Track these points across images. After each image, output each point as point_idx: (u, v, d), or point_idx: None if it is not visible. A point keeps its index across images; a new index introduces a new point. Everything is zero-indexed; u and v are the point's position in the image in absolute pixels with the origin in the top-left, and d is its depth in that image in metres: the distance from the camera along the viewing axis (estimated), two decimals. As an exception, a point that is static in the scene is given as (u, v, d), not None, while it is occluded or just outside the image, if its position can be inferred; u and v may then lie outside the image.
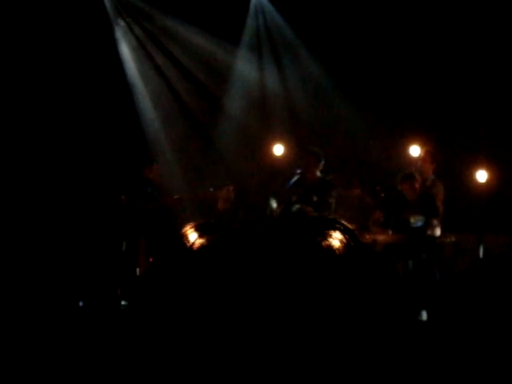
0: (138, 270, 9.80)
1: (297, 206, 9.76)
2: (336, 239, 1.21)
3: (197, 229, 1.27)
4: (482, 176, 9.80)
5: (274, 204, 9.92)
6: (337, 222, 1.26)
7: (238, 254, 1.16)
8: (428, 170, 9.71)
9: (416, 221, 9.23)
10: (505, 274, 1.66)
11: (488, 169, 9.80)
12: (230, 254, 1.16)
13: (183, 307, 1.14)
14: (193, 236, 1.21)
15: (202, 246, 1.19)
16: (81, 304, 9.60)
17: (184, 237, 1.24)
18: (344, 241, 1.21)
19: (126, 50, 12.14)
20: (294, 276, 1.15)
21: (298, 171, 10.02)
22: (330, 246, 1.19)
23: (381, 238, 9.31)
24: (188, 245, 1.23)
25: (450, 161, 10.16)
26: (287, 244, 1.18)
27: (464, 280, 1.67)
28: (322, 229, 1.21)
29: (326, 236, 1.21)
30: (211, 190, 10.26)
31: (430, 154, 9.78)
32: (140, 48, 12.18)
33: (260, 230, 1.20)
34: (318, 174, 10.01)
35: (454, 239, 9.43)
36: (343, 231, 1.22)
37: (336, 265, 1.17)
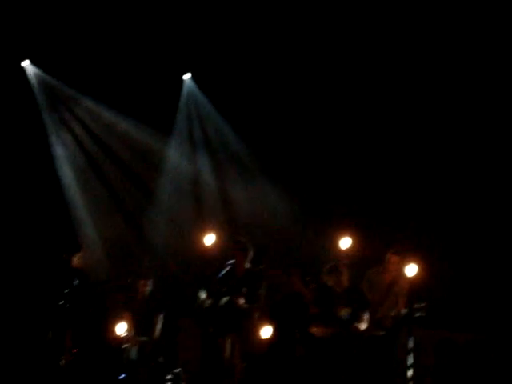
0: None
1: (226, 299, 9.67)
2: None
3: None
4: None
5: (203, 295, 9.76)
6: None
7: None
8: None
9: (345, 314, 9.18)
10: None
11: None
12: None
13: None
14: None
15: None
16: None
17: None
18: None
19: (59, 147, 12.08)
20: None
21: (229, 262, 9.87)
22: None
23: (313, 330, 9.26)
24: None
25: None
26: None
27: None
28: None
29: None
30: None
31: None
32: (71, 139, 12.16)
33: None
34: (247, 265, 9.93)
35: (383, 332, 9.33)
36: None
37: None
